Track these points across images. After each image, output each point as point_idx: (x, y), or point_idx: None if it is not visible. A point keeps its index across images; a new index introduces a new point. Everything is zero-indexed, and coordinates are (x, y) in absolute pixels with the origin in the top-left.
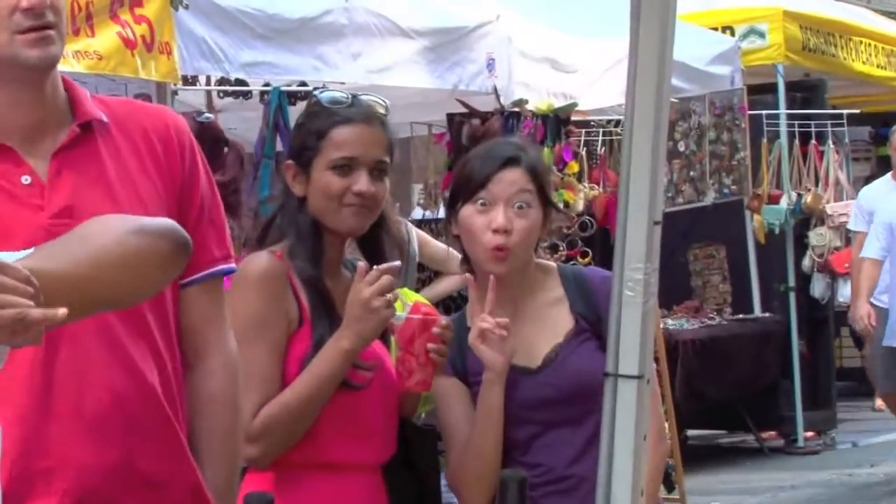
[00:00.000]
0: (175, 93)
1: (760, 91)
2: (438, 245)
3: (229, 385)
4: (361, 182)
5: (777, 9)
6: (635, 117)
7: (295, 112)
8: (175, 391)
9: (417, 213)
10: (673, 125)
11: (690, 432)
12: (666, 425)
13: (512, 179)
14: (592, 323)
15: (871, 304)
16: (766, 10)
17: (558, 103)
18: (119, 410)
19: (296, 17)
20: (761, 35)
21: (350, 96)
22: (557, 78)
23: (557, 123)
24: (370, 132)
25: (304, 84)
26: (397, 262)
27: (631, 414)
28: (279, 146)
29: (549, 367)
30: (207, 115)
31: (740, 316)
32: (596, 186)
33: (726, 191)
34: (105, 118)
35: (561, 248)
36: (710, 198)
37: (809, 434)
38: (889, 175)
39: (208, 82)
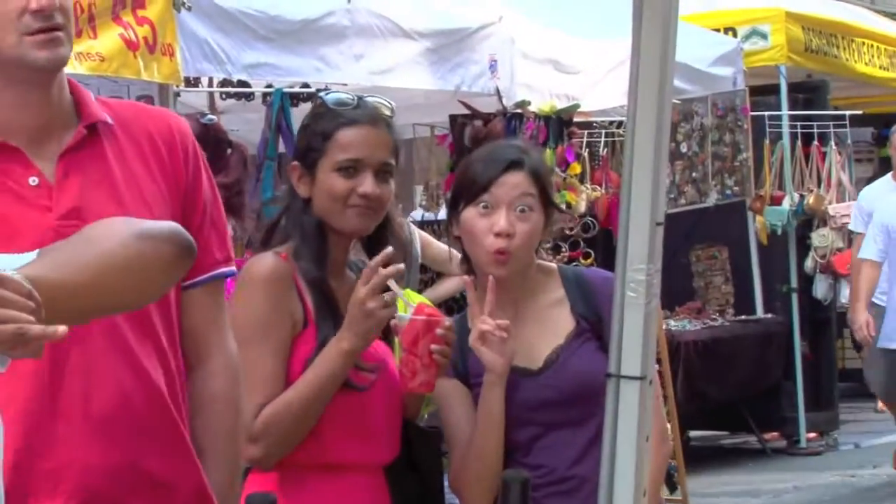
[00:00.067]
0: (177, 94)
1: (763, 92)
2: (441, 246)
3: (231, 386)
4: (367, 184)
5: (779, 10)
6: (637, 118)
7: (297, 113)
8: (179, 392)
9: (417, 213)
10: (675, 126)
11: (693, 433)
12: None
13: (514, 183)
14: (593, 324)
15: (872, 302)
16: (768, 11)
17: (561, 104)
18: (126, 411)
19: (298, 18)
20: (763, 36)
21: (356, 98)
22: (560, 79)
23: (560, 125)
24: (376, 134)
25: (306, 85)
26: (389, 249)
27: (633, 415)
28: (281, 147)
29: (549, 369)
30: (210, 116)
31: (742, 317)
32: (598, 187)
33: (729, 192)
34: (110, 120)
35: (563, 250)
36: (712, 199)
37: (812, 435)
38: (889, 175)
39: (210, 84)
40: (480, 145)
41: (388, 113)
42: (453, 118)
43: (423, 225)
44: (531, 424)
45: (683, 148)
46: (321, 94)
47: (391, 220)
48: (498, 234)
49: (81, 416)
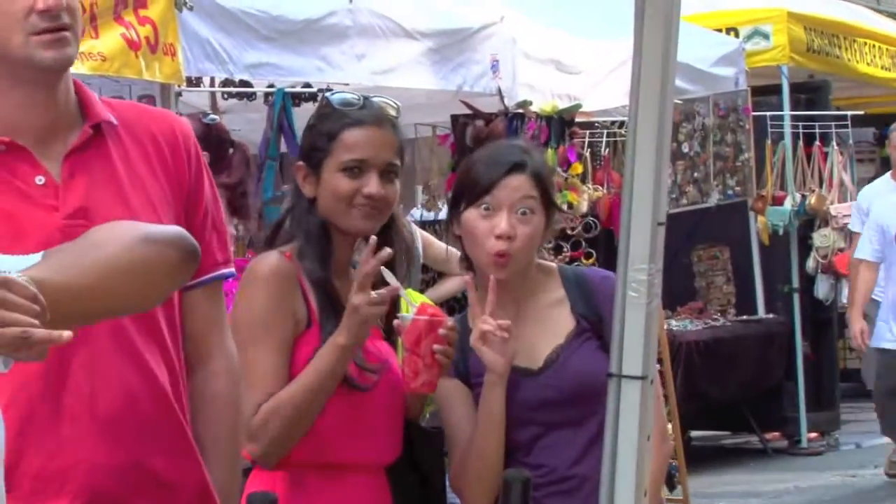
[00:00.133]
0: (179, 94)
1: (764, 92)
2: (442, 246)
3: (232, 387)
4: (372, 184)
5: (781, 10)
6: (639, 118)
7: (299, 113)
8: (182, 392)
9: (416, 213)
10: (677, 126)
11: (694, 433)
12: (669, 426)
13: (516, 186)
14: (593, 323)
15: (871, 299)
16: (770, 11)
17: (562, 104)
18: (132, 411)
19: (300, 18)
20: (765, 36)
21: (361, 98)
22: (561, 79)
23: (561, 125)
24: (381, 134)
25: (308, 85)
26: (373, 239)
27: (634, 414)
28: (283, 147)
29: (550, 369)
30: (213, 116)
31: (744, 317)
32: (600, 187)
33: (730, 192)
34: (115, 121)
35: (565, 249)
36: (713, 199)
37: (813, 435)
38: (889, 175)
39: (212, 84)
40: (482, 145)
41: (393, 113)
42: (455, 118)
43: (423, 225)
44: (532, 424)
45: (685, 148)
46: (327, 94)
47: (396, 221)
48: (499, 237)
49: (87, 415)
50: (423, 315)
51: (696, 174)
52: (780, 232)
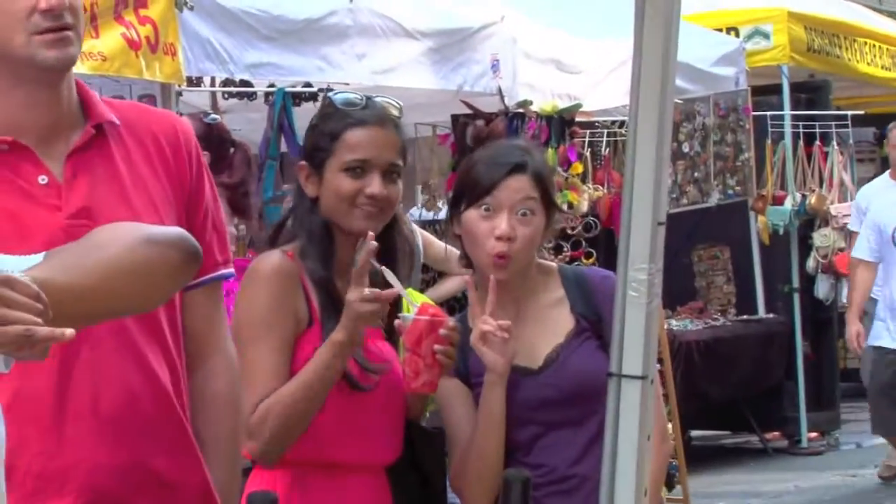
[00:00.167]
0: (179, 94)
1: (765, 92)
2: (441, 245)
3: (232, 386)
4: (374, 185)
5: (782, 10)
6: (639, 118)
7: (299, 113)
8: (183, 392)
9: (416, 213)
10: (677, 126)
11: (694, 433)
12: (669, 426)
13: (517, 187)
14: (593, 323)
15: (870, 297)
16: (770, 11)
17: (563, 104)
18: (134, 410)
19: (300, 18)
20: (766, 36)
21: (364, 98)
22: (562, 79)
23: (562, 124)
24: (384, 135)
25: (308, 85)
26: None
27: (635, 414)
28: (283, 147)
29: (549, 368)
30: (214, 116)
31: (744, 317)
32: (600, 187)
33: (730, 192)
34: (117, 121)
35: (565, 249)
36: (714, 199)
37: (813, 435)
38: (888, 174)
39: (213, 83)
40: (482, 145)
41: (396, 113)
42: (455, 118)
43: (422, 224)
44: (532, 424)
45: (685, 148)
46: (330, 94)
47: (399, 221)
48: (499, 238)
49: (90, 415)
50: (425, 315)
51: (696, 174)
52: (781, 232)
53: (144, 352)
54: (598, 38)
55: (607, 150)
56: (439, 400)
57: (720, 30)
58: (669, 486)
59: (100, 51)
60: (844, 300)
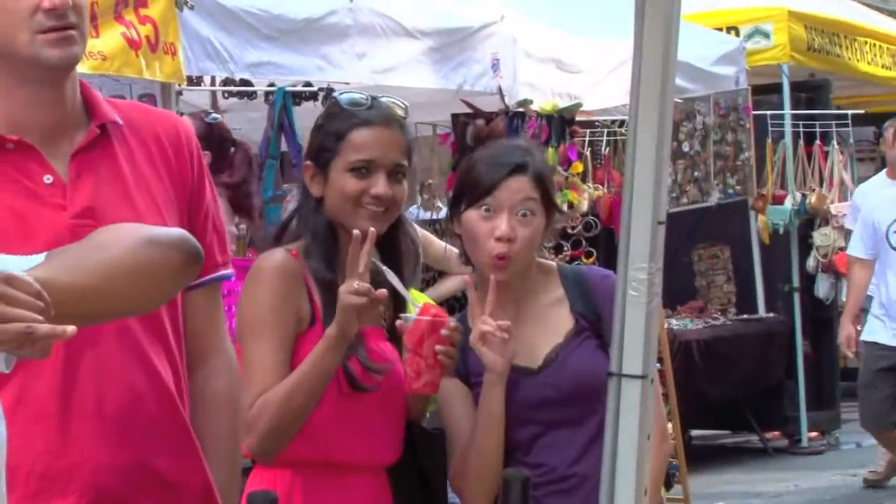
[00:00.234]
0: (179, 93)
1: (765, 91)
2: (441, 245)
3: (231, 386)
4: (379, 185)
5: (782, 9)
6: (639, 117)
7: (300, 112)
8: (184, 391)
9: (413, 212)
10: (677, 125)
11: (694, 432)
12: (669, 425)
13: (518, 188)
14: (592, 322)
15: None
16: (770, 10)
17: (563, 103)
18: (137, 411)
19: (301, 17)
20: (766, 35)
21: (370, 98)
22: (562, 78)
23: (562, 124)
24: (389, 135)
25: (308, 84)
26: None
27: (635, 413)
28: (283, 146)
29: (549, 368)
30: (215, 115)
31: (744, 316)
32: (600, 186)
33: (731, 191)
34: (120, 121)
35: (565, 248)
36: (714, 198)
37: (813, 434)
38: (884, 172)
39: (213, 83)
40: (483, 144)
41: (401, 113)
42: (455, 117)
43: (421, 224)
44: (531, 423)
45: (685, 147)
46: (335, 94)
47: (403, 221)
48: (499, 239)
49: (94, 415)
50: (426, 316)
51: (696, 173)
52: (781, 231)
53: (148, 352)
54: (598, 38)
55: (607, 149)
56: (439, 399)
57: (720, 29)
58: (669, 485)
59: (100, 50)
60: (844, 299)
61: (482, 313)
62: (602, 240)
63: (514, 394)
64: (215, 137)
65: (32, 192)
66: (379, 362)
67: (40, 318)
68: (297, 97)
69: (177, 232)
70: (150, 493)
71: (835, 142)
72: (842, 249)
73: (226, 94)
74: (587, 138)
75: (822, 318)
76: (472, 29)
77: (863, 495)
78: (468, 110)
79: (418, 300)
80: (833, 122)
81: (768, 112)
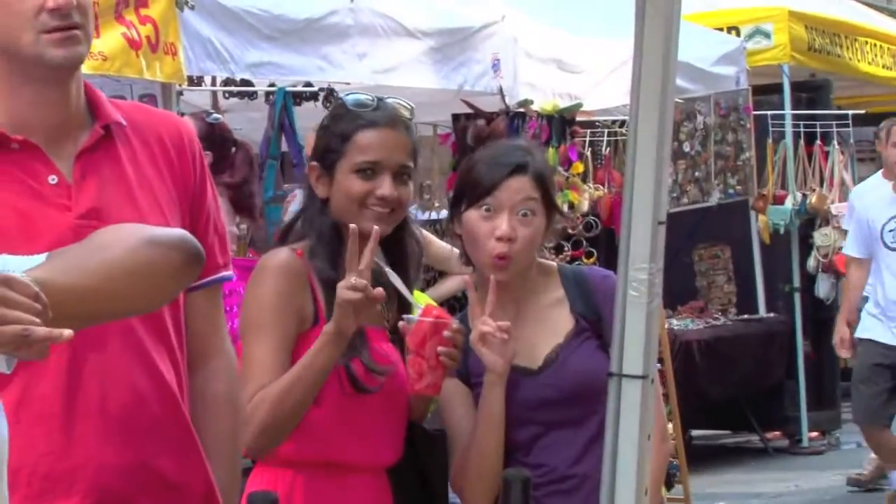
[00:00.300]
0: (180, 93)
1: (766, 91)
2: (442, 245)
3: (232, 388)
4: (385, 186)
5: (782, 9)
6: (640, 117)
7: (300, 112)
8: (186, 393)
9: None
10: (678, 126)
11: (695, 432)
12: (670, 425)
13: (518, 187)
14: (592, 322)
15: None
16: (771, 10)
17: (563, 104)
18: (141, 411)
19: (301, 17)
20: (767, 35)
21: (375, 99)
22: (563, 78)
23: (562, 124)
24: (395, 136)
25: (309, 85)
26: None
27: (635, 414)
28: (284, 147)
29: (549, 368)
30: (216, 115)
31: (745, 316)
32: (601, 187)
33: (731, 191)
34: (124, 122)
35: (566, 249)
36: (714, 198)
37: (814, 434)
38: (880, 173)
39: (213, 83)
40: (483, 144)
41: (407, 115)
42: (456, 117)
43: (421, 224)
44: (531, 424)
45: (686, 147)
46: (341, 95)
47: (409, 222)
48: (500, 239)
49: (98, 416)
50: (429, 317)
51: (697, 173)
52: (781, 231)
53: (151, 353)
54: (598, 38)
55: (608, 149)
56: (440, 400)
57: (721, 29)
58: (670, 485)
59: (100, 50)
60: None
61: (482, 314)
62: (603, 240)
63: (515, 394)
64: (217, 137)
65: (37, 192)
66: (382, 364)
67: (37, 320)
68: (298, 97)
69: (178, 232)
70: (154, 493)
71: (835, 142)
72: (842, 249)
73: (226, 95)
74: (588, 138)
75: (823, 318)
76: (472, 29)
77: (863, 496)
78: (469, 110)
79: (421, 301)
80: (834, 123)
81: (769, 112)
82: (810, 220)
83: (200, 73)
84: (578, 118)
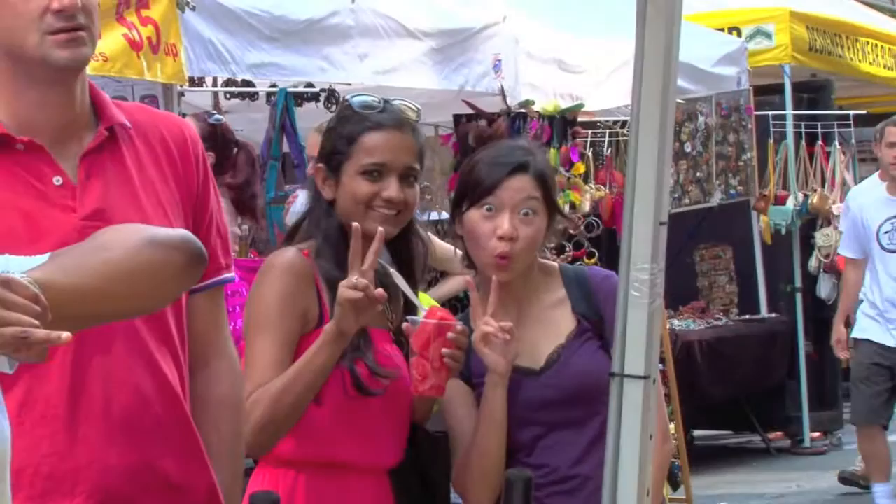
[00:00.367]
0: (181, 94)
1: (767, 92)
2: (444, 245)
3: (234, 389)
4: (391, 188)
5: (784, 9)
6: (641, 118)
7: (301, 113)
8: (188, 394)
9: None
10: (679, 126)
11: (697, 433)
12: (672, 426)
13: (519, 187)
14: (594, 323)
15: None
16: (772, 10)
17: (565, 104)
18: (144, 412)
19: (302, 18)
20: (768, 36)
21: (382, 101)
22: (564, 79)
23: (564, 124)
24: (401, 138)
25: (310, 85)
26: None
27: (637, 414)
28: (285, 147)
29: (551, 369)
30: (218, 116)
31: (746, 316)
32: (602, 187)
33: (733, 191)
34: (128, 123)
35: (567, 249)
36: (716, 198)
37: (816, 434)
38: (876, 174)
39: (215, 84)
40: (484, 145)
41: (413, 116)
42: (457, 118)
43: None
44: (533, 424)
45: (687, 147)
46: (347, 96)
47: (415, 223)
48: (501, 238)
49: (101, 416)
50: (433, 318)
51: (698, 174)
52: (783, 231)
53: (154, 354)
54: (600, 39)
55: (609, 150)
56: (441, 401)
57: (722, 30)
58: (676, 485)
59: (101, 51)
60: None
61: (484, 314)
62: (604, 240)
63: (517, 395)
64: (219, 138)
65: (42, 193)
66: (386, 367)
67: (36, 322)
68: (299, 98)
69: (180, 233)
70: (157, 494)
71: (837, 142)
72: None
73: (227, 95)
74: (589, 139)
75: (824, 318)
76: (473, 29)
77: (864, 496)
78: (470, 111)
79: (425, 303)
80: (835, 123)
81: (770, 112)
82: (812, 220)
83: (201, 73)
84: (580, 119)
